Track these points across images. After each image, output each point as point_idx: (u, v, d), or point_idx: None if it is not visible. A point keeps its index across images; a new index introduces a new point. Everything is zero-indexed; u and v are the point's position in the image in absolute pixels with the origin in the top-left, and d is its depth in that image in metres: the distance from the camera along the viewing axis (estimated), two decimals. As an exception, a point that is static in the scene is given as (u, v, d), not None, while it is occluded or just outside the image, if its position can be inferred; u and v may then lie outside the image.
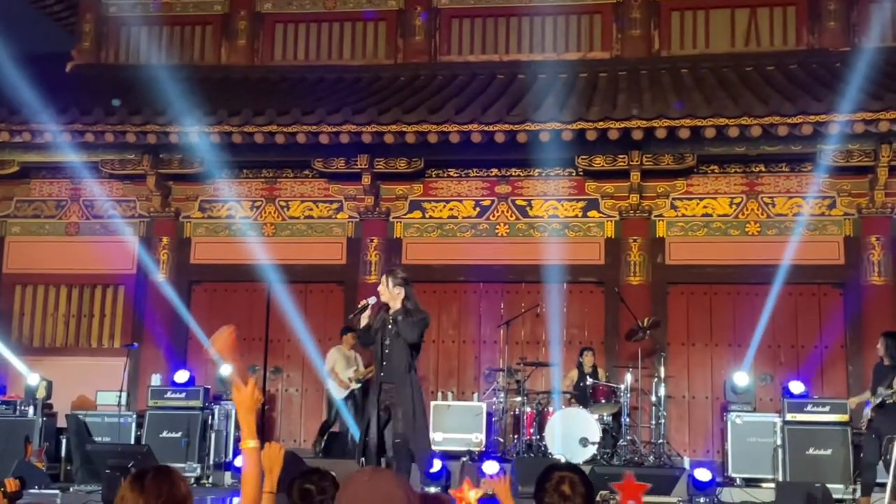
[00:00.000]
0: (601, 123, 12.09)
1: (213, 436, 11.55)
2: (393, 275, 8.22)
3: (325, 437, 12.35)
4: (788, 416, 10.55)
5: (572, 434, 10.81)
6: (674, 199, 13.26)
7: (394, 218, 13.70)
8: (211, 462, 11.41)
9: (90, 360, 13.67)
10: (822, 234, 12.89)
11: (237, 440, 11.59)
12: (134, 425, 11.79)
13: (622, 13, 15.14)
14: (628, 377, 11.69)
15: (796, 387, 11.02)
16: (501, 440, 11.74)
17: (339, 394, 12.05)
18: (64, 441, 11.55)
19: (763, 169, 13.14)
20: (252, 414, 3.44)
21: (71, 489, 9.90)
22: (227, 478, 11.05)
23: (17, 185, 14.39)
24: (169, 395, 11.81)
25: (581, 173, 13.26)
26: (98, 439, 11.49)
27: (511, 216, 13.49)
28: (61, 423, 12.15)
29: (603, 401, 11.46)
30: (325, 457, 11.75)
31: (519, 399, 11.66)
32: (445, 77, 14.94)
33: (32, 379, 12.22)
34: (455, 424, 11.83)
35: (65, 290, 14.28)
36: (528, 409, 11.51)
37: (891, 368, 9.35)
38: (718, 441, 12.19)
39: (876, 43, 13.93)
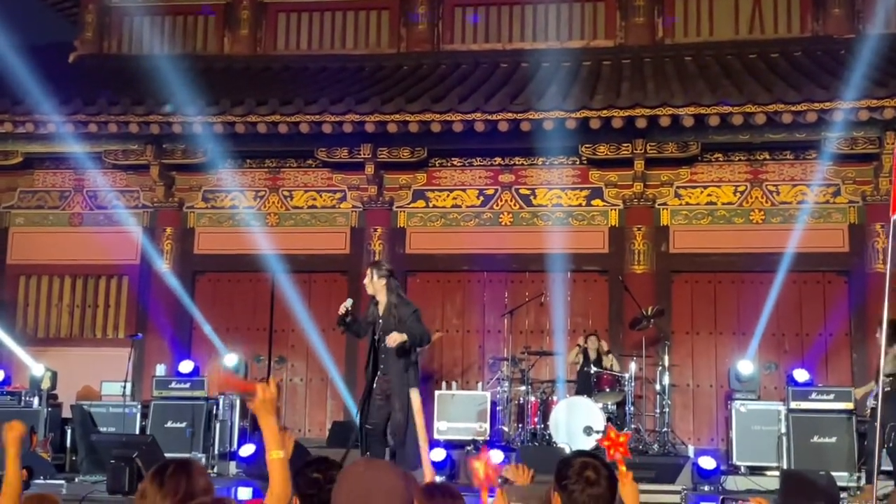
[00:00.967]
0: (605, 112, 12.06)
1: (217, 426, 11.56)
2: (377, 267, 8.60)
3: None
4: (793, 405, 10.53)
5: (576, 423, 10.80)
6: (678, 187, 13.24)
7: (397, 207, 13.68)
8: (216, 452, 11.42)
9: (94, 351, 13.70)
10: (826, 221, 12.86)
11: (242, 430, 11.62)
12: (139, 415, 11.80)
13: (626, 1, 15.09)
14: (632, 366, 11.69)
15: (801, 375, 11.01)
16: (506, 429, 11.74)
17: None
18: (69, 431, 11.58)
19: (767, 157, 13.11)
20: (273, 416, 3.36)
21: (76, 479, 9.92)
22: (232, 467, 11.07)
23: (21, 176, 14.40)
24: (174, 385, 11.82)
25: (585, 162, 13.24)
26: (103, 430, 11.51)
27: (515, 205, 13.47)
28: (66, 413, 12.18)
29: (607, 389, 11.46)
30: (332, 446, 11.77)
31: (523, 388, 11.65)
32: (448, 66, 14.91)
33: (37, 370, 12.26)
34: (459, 414, 11.83)
35: (69, 280, 14.30)
36: (533, 399, 11.51)
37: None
38: (723, 429, 12.20)
39: (881, 30, 13.87)
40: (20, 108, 12.91)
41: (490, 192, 13.55)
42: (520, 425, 11.62)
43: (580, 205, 13.35)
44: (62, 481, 9.62)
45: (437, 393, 11.95)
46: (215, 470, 11.15)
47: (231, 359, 12.27)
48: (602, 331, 12.98)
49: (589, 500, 3.28)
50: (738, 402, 11.07)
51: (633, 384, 11.54)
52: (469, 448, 10.89)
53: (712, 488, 9.67)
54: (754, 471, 10.50)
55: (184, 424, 11.34)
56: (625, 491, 3.93)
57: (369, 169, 13.35)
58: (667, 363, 11.78)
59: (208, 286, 14.05)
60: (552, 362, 12.72)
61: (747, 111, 11.84)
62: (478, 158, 13.56)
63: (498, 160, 13.53)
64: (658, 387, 11.80)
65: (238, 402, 11.84)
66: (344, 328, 8.78)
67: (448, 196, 13.66)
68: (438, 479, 10.11)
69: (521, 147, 12.91)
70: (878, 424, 7.92)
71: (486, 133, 12.41)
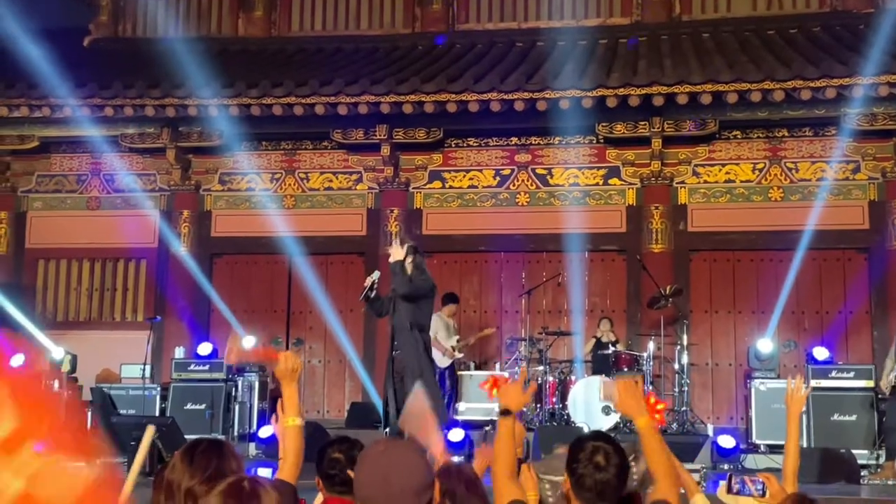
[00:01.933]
0: (621, 90, 12.00)
1: (236, 407, 11.65)
2: (406, 241, 9.00)
3: None
4: (813, 383, 10.50)
5: (595, 402, 10.82)
6: (696, 165, 13.17)
7: (413, 188, 13.68)
8: (235, 433, 11.51)
9: (113, 334, 13.79)
10: (846, 198, 12.78)
11: (261, 412, 11.69)
12: (158, 398, 11.90)
13: (642, -22, 14.98)
14: (651, 345, 11.69)
15: (820, 353, 10.98)
16: (524, 409, 11.73)
17: (442, 362, 12.03)
18: (89, 414, 11.67)
19: (786, 134, 13.03)
20: (295, 385, 3.39)
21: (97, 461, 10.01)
22: (252, 449, 11.13)
23: (38, 160, 14.47)
24: (192, 367, 11.91)
25: (602, 141, 13.19)
26: (123, 412, 11.61)
27: (531, 185, 13.44)
28: (86, 396, 12.28)
29: (625, 369, 11.46)
30: (351, 427, 11.83)
31: (541, 368, 11.67)
32: (464, 45, 14.85)
33: (57, 353, 12.35)
34: (477, 394, 11.85)
35: (87, 264, 14.37)
36: (551, 378, 11.52)
37: None
38: (742, 408, 12.18)
39: (901, 4, 13.72)
40: (36, 92, 12.94)
41: (506, 172, 13.52)
42: (538, 405, 11.63)
43: (597, 184, 13.31)
44: (82, 463, 9.68)
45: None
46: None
47: (249, 341, 12.31)
48: (620, 311, 12.98)
49: (595, 486, 3.27)
50: (757, 381, 11.06)
51: (651, 363, 11.54)
52: (488, 429, 10.91)
53: (732, 467, 9.67)
54: (774, 449, 10.48)
55: (203, 406, 11.43)
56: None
57: (385, 150, 13.34)
58: (685, 342, 11.77)
59: (225, 269, 14.10)
60: (570, 342, 12.73)
61: (766, 88, 11.75)
62: (494, 138, 13.54)
63: (514, 140, 13.50)
64: (676, 366, 11.79)
65: (256, 384, 11.92)
66: (367, 303, 8.93)
67: (464, 176, 13.65)
68: (456, 459, 10.18)
69: (538, 126, 12.88)
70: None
71: (503, 113, 12.38)
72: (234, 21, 16.03)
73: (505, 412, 3.67)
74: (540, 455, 9.62)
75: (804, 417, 10.44)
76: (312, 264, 13.11)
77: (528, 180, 13.46)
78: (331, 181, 13.94)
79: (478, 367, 12.73)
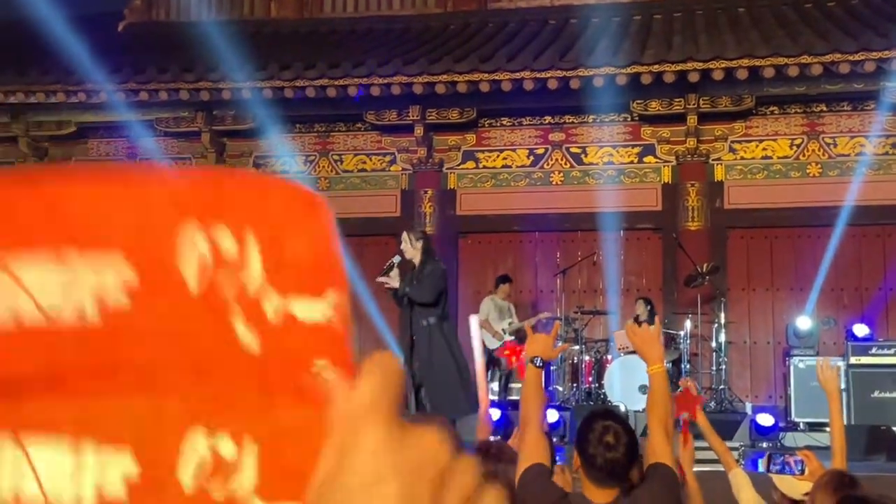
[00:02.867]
0: (656, 67, 11.91)
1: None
2: (412, 231, 8.92)
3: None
4: (852, 360, 10.43)
5: (631, 381, 10.78)
6: (732, 141, 13.06)
7: (447, 169, 13.68)
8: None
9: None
10: (885, 173, 12.61)
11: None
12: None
13: (676, -48, 14.82)
14: (688, 323, 11.62)
15: (860, 329, 10.88)
16: (560, 389, 11.76)
17: (492, 344, 12.07)
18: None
19: (824, 108, 12.86)
20: None
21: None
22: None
23: (76, 146, 14.62)
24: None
25: (636, 118, 13.11)
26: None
27: (565, 164, 13.39)
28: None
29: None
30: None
31: (577, 348, 11.65)
32: (496, 24, 14.79)
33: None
34: (513, 374, 11.87)
35: (125, 248, 14.52)
36: (587, 358, 11.51)
37: None
38: (781, 386, 12.10)
39: (942, -26, 13.48)
40: (72, 78, 13.06)
41: (540, 151, 13.48)
42: (574, 385, 11.63)
43: (632, 162, 13.23)
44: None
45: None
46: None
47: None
48: (656, 289, 12.92)
49: (606, 465, 3.31)
50: (796, 359, 10.99)
51: (688, 342, 11.48)
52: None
53: (771, 445, 9.62)
54: (813, 427, 10.42)
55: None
56: (683, 454, 3.97)
57: (418, 131, 13.34)
58: (723, 320, 11.70)
59: (261, 251, 14.16)
60: (606, 321, 12.68)
61: (803, 62, 11.61)
62: (527, 117, 13.49)
63: (548, 119, 13.44)
64: (714, 344, 11.73)
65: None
66: (386, 282, 8.78)
67: (498, 156, 13.62)
68: (492, 438, 10.21)
69: (572, 105, 12.81)
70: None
71: (536, 91, 12.33)
72: (265, 3, 16.08)
73: (533, 360, 3.64)
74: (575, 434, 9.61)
75: (844, 395, 10.36)
76: (347, 246, 13.08)
77: (562, 159, 13.41)
78: (364, 163, 13.97)
79: (514, 347, 12.71)
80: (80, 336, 0.53)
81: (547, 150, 13.46)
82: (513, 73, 12.24)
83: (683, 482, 3.86)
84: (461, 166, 13.67)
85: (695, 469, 4.07)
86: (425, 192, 13.57)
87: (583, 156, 13.35)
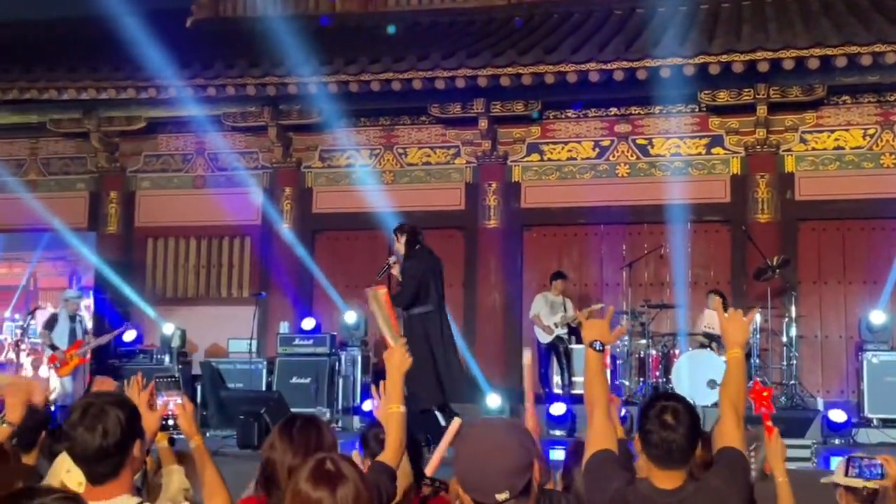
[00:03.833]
0: (724, 56, 11.75)
1: (340, 381, 11.86)
2: (400, 229, 9.27)
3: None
4: (928, 355, 10.20)
5: (699, 376, 10.68)
6: (803, 132, 12.82)
7: (512, 161, 13.64)
8: (339, 406, 11.73)
9: (220, 309, 14.13)
10: (964, 164, 12.28)
11: (364, 385, 11.87)
12: (265, 371, 12.19)
13: (745, -61, 14.57)
14: (757, 318, 11.43)
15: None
16: (626, 383, 11.69)
17: (543, 339, 12.14)
18: (199, 388, 12.04)
19: (898, 97, 12.56)
20: (401, 376, 3.48)
21: (207, 434, 10.30)
22: (356, 422, 11.34)
23: (146, 141, 14.88)
24: (297, 342, 12.17)
25: (704, 109, 12.94)
26: (230, 385, 11.94)
27: (631, 156, 13.28)
28: (195, 370, 12.67)
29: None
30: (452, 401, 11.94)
31: (644, 342, 11.59)
32: (561, 15, 14.72)
33: (167, 328, 12.76)
34: (578, 368, 11.83)
35: (194, 241, 14.75)
36: (654, 352, 11.43)
37: None
38: (853, 381, 11.87)
39: None
40: (142, 74, 13.29)
41: (606, 143, 13.38)
42: (640, 379, 11.56)
43: (700, 153, 13.06)
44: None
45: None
46: (339, 424, 11.45)
47: (350, 316, 12.50)
48: (724, 283, 12.76)
49: (661, 444, 3.20)
50: (869, 353, 10.78)
51: (758, 336, 11.33)
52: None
53: (843, 441, 9.47)
54: (887, 423, 10.23)
55: (308, 380, 11.66)
56: (770, 447, 3.83)
57: (483, 123, 13.33)
58: (793, 314, 11.51)
59: (327, 245, 14.31)
60: (673, 315, 12.57)
61: (876, 51, 11.34)
62: (593, 109, 13.39)
63: (613, 110, 13.33)
64: (784, 338, 11.56)
65: (360, 358, 12.11)
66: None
67: (563, 148, 13.55)
68: (558, 432, 10.19)
69: (638, 96, 12.72)
70: None
71: (601, 83, 12.24)
72: (330, -2, 16.19)
73: (592, 344, 3.51)
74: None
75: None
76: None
77: (628, 151, 13.29)
78: (429, 156, 14.00)
79: (578, 341, 12.67)
80: None
81: (613, 141, 13.36)
82: (578, 64, 12.15)
83: (771, 477, 3.76)
84: (526, 159, 13.63)
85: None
86: (489, 185, 13.56)
87: (649, 147, 13.22)
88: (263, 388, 11.91)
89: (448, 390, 9.26)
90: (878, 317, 11.23)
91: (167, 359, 12.42)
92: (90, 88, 13.72)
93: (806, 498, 4.03)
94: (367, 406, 10.70)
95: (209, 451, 3.74)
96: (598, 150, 13.40)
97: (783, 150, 12.80)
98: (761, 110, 12.49)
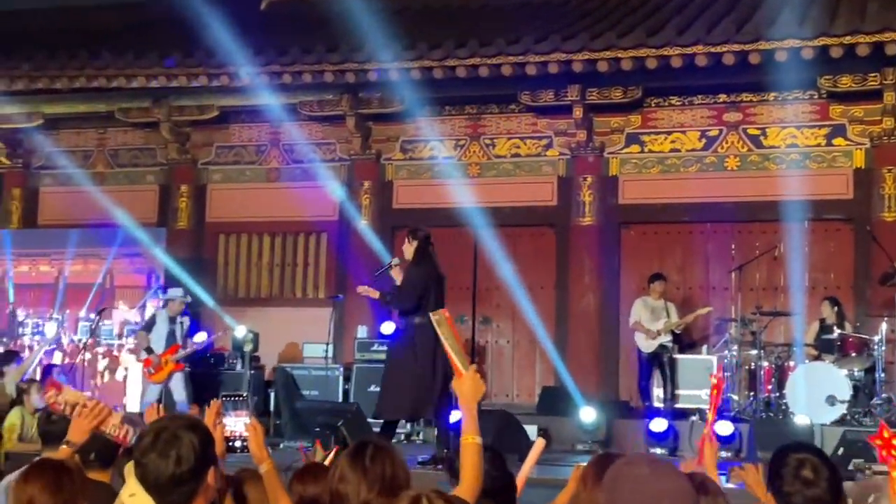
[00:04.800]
0: (848, 38, 11.41)
1: (421, 391, 11.81)
2: (413, 233, 9.33)
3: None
4: None
5: (817, 391, 10.39)
6: (938, 121, 12.39)
7: (609, 153, 13.46)
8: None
9: (294, 311, 14.21)
10: None
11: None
12: (341, 378, 12.24)
13: None
14: (883, 327, 11.10)
15: None
16: (735, 398, 11.44)
17: (646, 347, 12.00)
18: (272, 395, 12.14)
19: None
20: (475, 404, 3.39)
21: (281, 445, 10.33)
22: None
23: (217, 131, 15.03)
24: (376, 347, 12.17)
25: (824, 95, 12.59)
26: (306, 393, 12.01)
27: (742, 147, 12.99)
28: (268, 376, 12.78)
29: (853, 354, 10.95)
30: (542, 413, 11.84)
31: (755, 352, 11.33)
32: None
33: (239, 331, 12.86)
34: (682, 380, 11.65)
35: (267, 238, 14.85)
36: (766, 364, 11.18)
37: None
38: None
39: None
40: (214, 60, 13.41)
41: (713, 133, 13.12)
42: (751, 394, 11.32)
43: (819, 145, 12.72)
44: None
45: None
46: (420, 437, 11.42)
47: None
48: (846, 288, 12.42)
49: (806, 503, 3.19)
50: None
51: (883, 348, 10.98)
52: (694, 418, 10.68)
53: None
54: None
55: (387, 389, 11.63)
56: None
57: (577, 112, 13.16)
58: (924, 324, 11.13)
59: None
60: (788, 323, 12.28)
61: None
62: (699, 96, 13.16)
63: (722, 97, 13.08)
64: (914, 351, 11.18)
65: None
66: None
67: (666, 139, 13.33)
68: (658, 451, 10.00)
69: (750, 81, 12.46)
70: None
71: (709, 67, 11.99)
72: (414, -23, 16.18)
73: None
74: (755, 452, 9.32)
75: None
76: (499, 237, 13.04)
77: (738, 142, 13.01)
78: (518, 147, 13.89)
79: (681, 350, 12.44)
80: None
81: (721, 131, 13.09)
82: (683, 47, 11.94)
83: None
84: (624, 150, 13.43)
85: None
86: (584, 179, 13.39)
87: (762, 138, 12.93)
88: (340, 397, 11.94)
89: (422, 407, 9.33)
90: None
91: (238, 364, 12.53)
92: (160, 76, 13.90)
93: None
94: (450, 418, 10.63)
95: (280, 474, 3.70)
96: (704, 140, 13.15)
97: (914, 141, 12.39)
98: (889, 97, 12.11)
